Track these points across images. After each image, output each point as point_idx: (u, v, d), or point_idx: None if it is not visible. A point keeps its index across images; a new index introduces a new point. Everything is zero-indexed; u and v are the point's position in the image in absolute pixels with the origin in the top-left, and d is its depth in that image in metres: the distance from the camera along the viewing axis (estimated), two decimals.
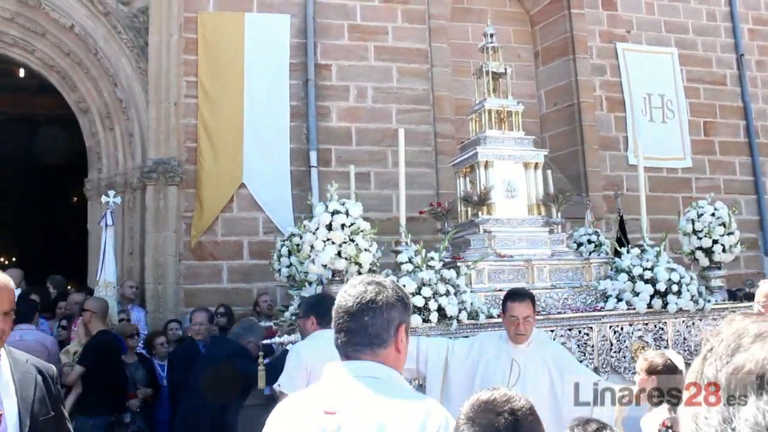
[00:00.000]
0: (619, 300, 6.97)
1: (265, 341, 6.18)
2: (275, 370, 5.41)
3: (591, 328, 6.75)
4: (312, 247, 5.99)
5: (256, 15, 11.57)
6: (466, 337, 6.08)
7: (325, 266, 5.98)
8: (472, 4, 13.01)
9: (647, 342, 6.87)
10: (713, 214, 7.56)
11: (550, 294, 6.96)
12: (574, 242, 8.41)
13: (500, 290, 6.46)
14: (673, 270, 7.05)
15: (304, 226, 6.33)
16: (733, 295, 9.31)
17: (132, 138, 11.06)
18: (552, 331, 6.49)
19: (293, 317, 6.76)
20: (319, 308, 5.30)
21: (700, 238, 7.51)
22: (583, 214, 9.72)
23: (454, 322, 6.13)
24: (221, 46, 11.35)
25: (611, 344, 6.79)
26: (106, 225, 9.57)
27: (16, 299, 3.41)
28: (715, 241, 7.47)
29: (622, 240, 8.45)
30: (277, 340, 6.09)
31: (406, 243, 6.61)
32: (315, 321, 5.28)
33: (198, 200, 10.92)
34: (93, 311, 7.42)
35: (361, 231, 6.00)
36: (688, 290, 6.97)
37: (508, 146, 7.46)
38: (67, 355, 7.56)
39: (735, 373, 1.13)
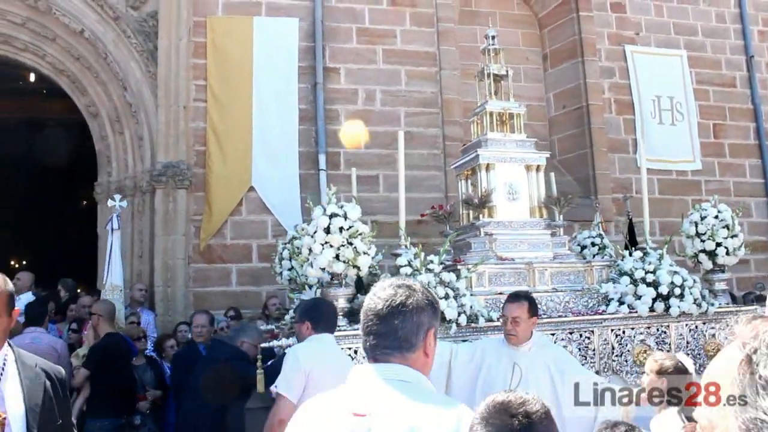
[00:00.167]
0: (621, 303, 6.94)
1: (263, 345, 6.19)
2: (276, 372, 5.40)
3: (592, 331, 6.74)
4: (310, 250, 6.00)
5: (265, 19, 11.60)
6: (465, 340, 6.09)
7: (323, 269, 5.98)
8: (480, 7, 13.03)
9: (649, 345, 6.86)
10: (716, 217, 7.49)
11: (552, 297, 6.92)
12: (578, 245, 8.36)
13: (501, 293, 6.47)
14: (675, 273, 7.02)
15: (303, 229, 6.32)
16: (734, 299, 9.24)
17: (141, 141, 11.12)
18: (553, 334, 6.48)
19: (293, 320, 6.77)
20: (313, 313, 5.33)
21: (703, 241, 7.46)
22: (592, 216, 9.68)
23: (453, 325, 6.15)
24: (230, 50, 11.39)
25: (613, 348, 6.78)
26: (113, 229, 9.62)
27: (10, 301, 3.39)
28: (718, 244, 7.41)
29: (631, 243, 8.42)
30: (275, 343, 6.10)
31: (406, 246, 6.62)
32: (310, 326, 5.26)
33: (207, 203, 10.95)
34: (100, 314, 7.48)
35: (360, 234, 5.99)
36: (690, 293, 6.94)
37: (510, 148, 7.43)
38: (77, 358, 7.64)
39: None
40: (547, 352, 5.46)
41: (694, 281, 7.10)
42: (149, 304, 10.39)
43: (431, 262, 6.34)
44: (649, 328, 6.94)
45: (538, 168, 7.49)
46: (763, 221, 13.68)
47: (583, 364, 6.24)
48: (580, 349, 6.65)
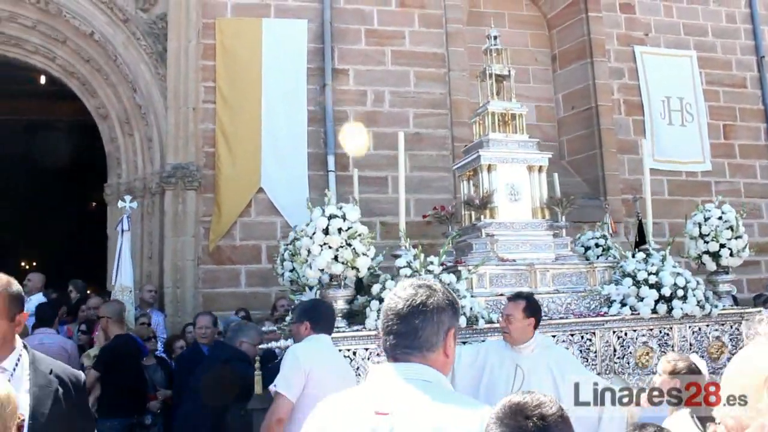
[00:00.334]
0: (624, 305, 6.87)
1: (262, 346, 6.20)
2: (276, 374, 5.41)
3: (594, 333, 6.68)
4: (309, 251, 6.02)
5: (274, 20, 11.64)
6: (465, 342, 6.10)
7: (321, 270, 5.99)
8: (489, 8, 13.00)
9: (652, 348, 6.83)
10: (720, 218, 7.41)
11: (553, 298, 6.85)
12: (582, 246, 8.30)
13: (501, 294, 6.43)
14: (678, 274, 6.95)
15: (303, 230, 6.33)
16: (736, 301, 9.18)
17: (151, 143, 11.19)
18: (554, 336, 6.42)
19: (292, 321, 6.77)
20: (313, 313, 5.33)
21: (707, 242, 7.39)
22: (602, 217, 9.64)
23: None
24: (239, 52, 11.44)
25: (615, 350, 6.74)
26: (122, 230, 9.69)
27: (13, 303, 3.35)
28: (722, 245, 7.32)
29: (641, 244, 8.37)
30: (273, 344, 6.11)
31: (405, 247, 6.63)
32: (309, 326, 5.24)
33: (216, 205, 11.00)
34: (108, 316, 7.54)
35: (359, 235, 5.99)
36: (694, 295, 6.87)
37: (512, 149, 7.35)
38: (89, 358, 7.68)
39: None
40: (549, 354, 5.45)
41: (698, 283, 7.02)
42: (159, 306, 10.44)
43: (431, 263, 6.35)
44: (651, 330, 6.87)
45: (540, 169, 7.42)
46: None
47: (584, 366, 6.23)
48: (581, 351, 6.59)
